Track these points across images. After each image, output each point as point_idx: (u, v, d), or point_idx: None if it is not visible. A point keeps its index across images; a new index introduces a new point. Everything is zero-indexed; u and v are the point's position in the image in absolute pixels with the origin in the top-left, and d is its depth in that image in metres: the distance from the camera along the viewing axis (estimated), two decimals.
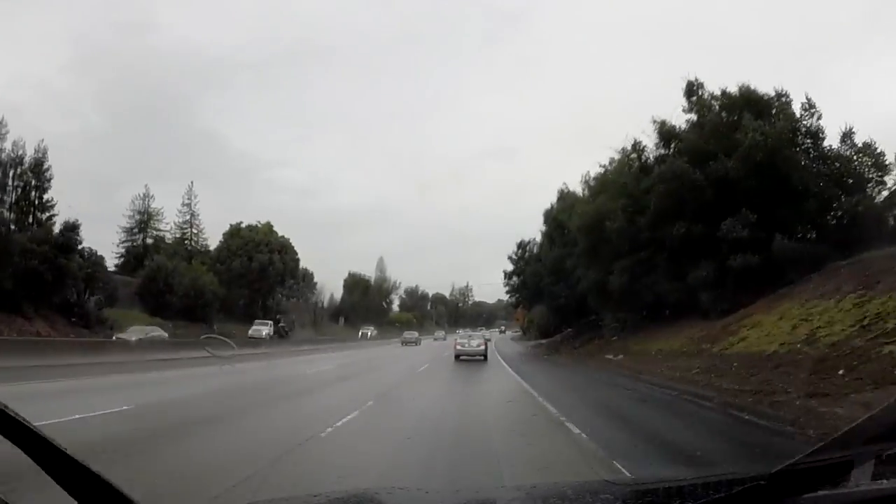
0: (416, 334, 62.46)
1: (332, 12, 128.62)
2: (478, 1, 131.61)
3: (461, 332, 43.82)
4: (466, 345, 27.75)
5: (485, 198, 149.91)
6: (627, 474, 5.61)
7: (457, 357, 26.87)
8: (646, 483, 2.14)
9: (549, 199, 44.62)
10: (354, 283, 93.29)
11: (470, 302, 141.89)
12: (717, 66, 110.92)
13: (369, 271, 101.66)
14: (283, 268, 58.74)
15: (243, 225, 58.86)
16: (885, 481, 1.57)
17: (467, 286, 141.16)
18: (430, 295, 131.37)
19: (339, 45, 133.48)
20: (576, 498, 1.93)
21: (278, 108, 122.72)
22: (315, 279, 75.30)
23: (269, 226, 60.15)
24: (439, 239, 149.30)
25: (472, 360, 26.86)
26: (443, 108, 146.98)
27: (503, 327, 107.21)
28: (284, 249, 60.03)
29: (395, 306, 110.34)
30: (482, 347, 27.80)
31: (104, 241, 58.47)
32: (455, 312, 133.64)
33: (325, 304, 79.73)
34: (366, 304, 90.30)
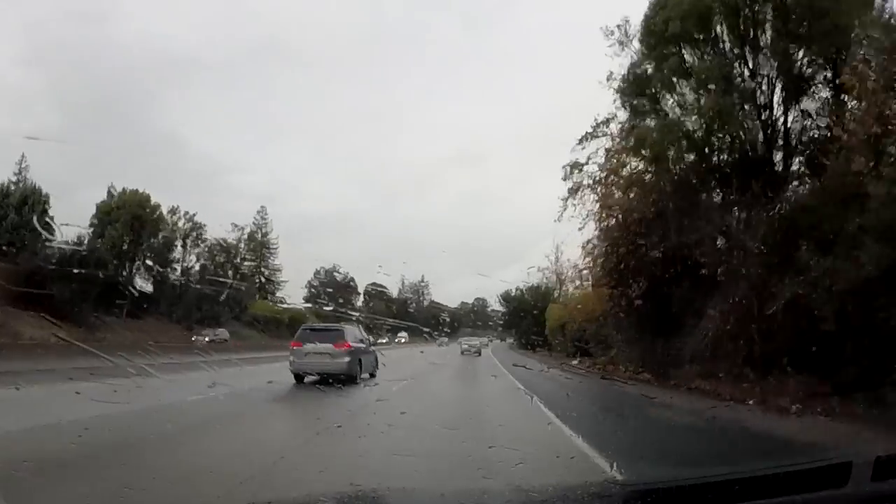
0: (446, 340, 61.91)
1: (297, 13, 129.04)
2: (446, 5, 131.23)
3: (465, 338, 50.17)
4: (470, 347, 38.45)
5: (449, 205, 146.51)
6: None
7: (462, 353, 36.15)
8: (646, 484, 2.14)
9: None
10: (115, 209, 40.20)
11: (425, 302, 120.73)
12: None
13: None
14: None
15: None
16: (884, 481, 1.57)
17: (422, 281, 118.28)
18: (366, 286, 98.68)
19: (304, 48, 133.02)
20: (576, 499, 1.94)
21: (239, 110, 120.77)
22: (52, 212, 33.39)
23: None
24: (401, 245, 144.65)
25: None
26: (409, 114, 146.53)
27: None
28: None
29: (286, 295, 62.17)
30: (478, 347, 39.09)
31: None
32: (403, 312, 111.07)
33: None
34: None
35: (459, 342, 44.15)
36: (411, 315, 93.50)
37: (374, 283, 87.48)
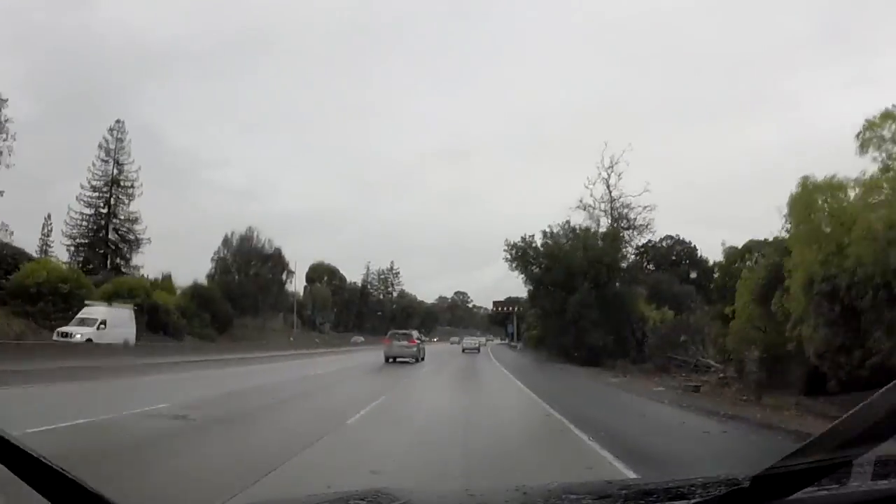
0: (457, 339, 67.42)
1: (279, 4, 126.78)
2: None
3: (467, 337, 60.01)
4: (471, 345, 47.47)
5: (431, 202, 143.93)
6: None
7: (463, 350, 44.62)
8: (646, 484, 2.13)
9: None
10: None
11: (395, 294, 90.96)
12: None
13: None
14: None
15: None
16: (884, 481, 1.56)
17: (392, 269, 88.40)
18: (309, 266, 72.27)
19: (283, 40, 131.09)
20: (576, 499, 1.92)
21: (218, 104, 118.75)
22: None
23: None
24: (381, 242, 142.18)
25: None
26: (392, 109, 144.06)
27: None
28: None
29: (140, 263, 42.17)
30: (477, 345, 48.80)
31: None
32: (361, 305, 78.42)
33: None
34: None
35: (462, 341, 52.94)
36: (372, 307, 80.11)
37: (320, 263, 69.37)
